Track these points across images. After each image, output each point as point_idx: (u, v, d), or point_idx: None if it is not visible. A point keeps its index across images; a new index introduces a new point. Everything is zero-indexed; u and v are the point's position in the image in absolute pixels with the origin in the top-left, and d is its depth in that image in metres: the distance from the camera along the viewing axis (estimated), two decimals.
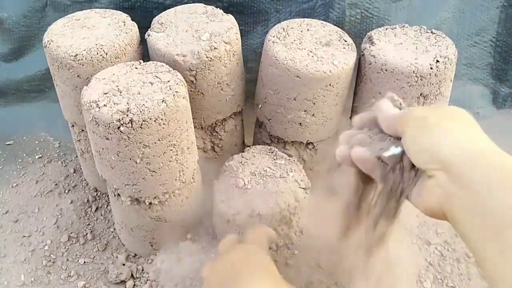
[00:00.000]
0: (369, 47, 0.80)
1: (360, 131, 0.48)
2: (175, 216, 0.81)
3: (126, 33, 0.79)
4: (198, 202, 0.83)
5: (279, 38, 0.80)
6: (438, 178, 0.39)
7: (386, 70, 0.76)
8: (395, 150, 0.44)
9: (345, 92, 0.82)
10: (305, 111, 0.81)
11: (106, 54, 0.76)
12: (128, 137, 0.65)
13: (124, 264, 0.83)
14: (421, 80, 0.75)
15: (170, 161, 0.71)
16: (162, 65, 0.73)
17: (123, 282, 0.81)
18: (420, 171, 0.42)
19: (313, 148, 0.88)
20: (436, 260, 0.85)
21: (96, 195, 0.97)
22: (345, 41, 0.81)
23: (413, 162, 0.42)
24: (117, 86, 0.68)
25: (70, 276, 0.83)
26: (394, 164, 0.44)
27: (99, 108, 0.64)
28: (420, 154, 0.41)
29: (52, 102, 1.07)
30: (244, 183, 0.77)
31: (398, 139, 0.44)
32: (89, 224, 0.91)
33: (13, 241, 0.88)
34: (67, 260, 0.85)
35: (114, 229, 0.90)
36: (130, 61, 0.77)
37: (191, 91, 0.78)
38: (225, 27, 0.79)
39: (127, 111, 0.64)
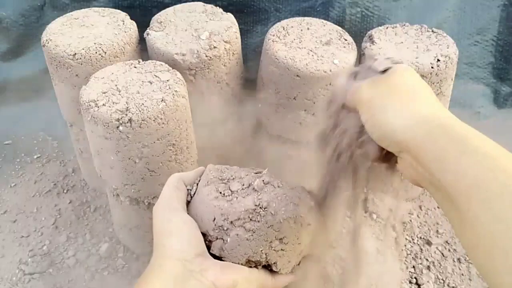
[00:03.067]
0: (370, 46, 0.79)
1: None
2: None
3: (125, 32, 0.79)
4: None
5: (279, 37, 0.80)
6: (405, 160, 0.39)
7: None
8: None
9: None
10: (305, 110, 0.80)
11: (105, 53, 0.76)
12: (127, 136, 0.64)
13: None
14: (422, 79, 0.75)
15: (169, 160, 0.70)
16: (161, 64, 0.72)
17: None
18: None
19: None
20: (437, 261, 0.85)
21: (95, 195, 0.97)
22: (345, 40, 0.81)
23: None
24: (116, 85, 0.68)
25: (69, 275, 0.82)
26: None
27: (98, 107, 0.64)
28: (380, 140, 0.41)
29: (51, 102, 1.06)
30: None
31: None
32: (87, 224, 0.91)
33: (12, 241, 0.88)
34: (66, 260, 0.85)
35: (113, 229, 0.89)
36: (129, 60, 0.76)
37: (190, 90, 0.78)
38: (225, 26, 0.79)
39: (126, 110, 0.63)
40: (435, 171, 0.36)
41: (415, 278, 0.82)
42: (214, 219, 0.46)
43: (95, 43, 0.76)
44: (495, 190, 0.32)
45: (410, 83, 0.42)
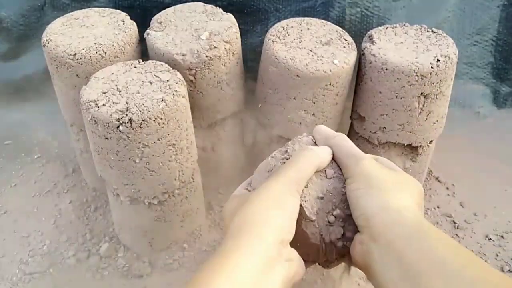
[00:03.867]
0: (370, 46, 0.79)
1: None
2: (174, 216, 0.81)
3: (125, 32, 0.79)
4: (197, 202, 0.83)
5: (279, 37, 0.80)
6: (362, 236, 0.43)
7: (386, 69, 0.76)
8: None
9: (345, 91, 0.82)
10: (305, 110, 0.80)
11: (105, 53, 0.76)
12: (127, 136, 0.64)
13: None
14: (422, 79, 0.75)
15: (169, 160, 0.70)
16: (162, 64, 0.72)
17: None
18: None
19: None
20: None
21: (95, 195, 0.97)
22: (345, 40, 0.81)
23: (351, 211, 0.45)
24: (116, 85, 0.68)
25: (69, 275, 0.82)
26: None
27: (98, 107, 0.64)
28: (354, 211, 0.45)
29: (51, 102, 1.06)
30: None
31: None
32: (88, 224, 0.91)
33: (12, 241, 0.88)
34: (67, 259, 0.85)
35: (113, 229, 0.89)
36: (129, 60, 0.76)
37: (190, 90, 0.78)
38: (225, 26, 0.79)
39: (127, 110, 0.63)
40: (400, 249, 0.39)
41: None
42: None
43: (95, 43, 0.76)
44: (456, 268, 0.36)
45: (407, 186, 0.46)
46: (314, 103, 0.79)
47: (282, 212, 0.42)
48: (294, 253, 0.43)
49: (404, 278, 0.38)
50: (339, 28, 0.84)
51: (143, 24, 0.82)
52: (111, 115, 0.63)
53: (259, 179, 0.49)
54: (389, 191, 0.43)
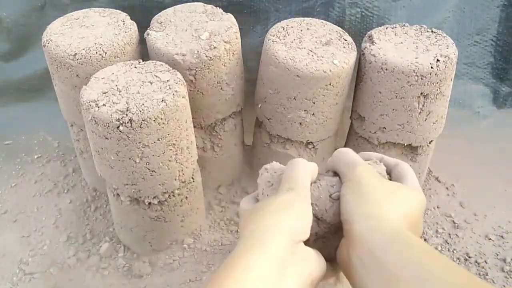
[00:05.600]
0: (369, 46, 0.79)
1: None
2: (174, 216, 0.81)
3: (126, 32, 0.79)
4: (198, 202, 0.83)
5: (279, 37, 0.80)
6: (345, 241, 0.44)
7: (386, 69, 0.76)
8: None
9: (345, 91, 0.82)
10: (305, 110, 0.80)
11: (105, 53, 0.76)
12: (127, 136, 0.64)
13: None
14: (422, 79, 0.75)
15: (169, 160, 0.70)
16: (162, 65, 0.72)
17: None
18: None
19: (313, 147, 0.88)
20: None
21: (95, 194, 0.97)
22: (345, 40, 0.81)
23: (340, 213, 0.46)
24: (116, 85, 0.68)
25: (69, 275, 0.82)
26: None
27: (99, 107, 0.64)
28: (341, 215, 0.45)
29: (51, 102, 1.06)
30: None
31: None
32: (88, 224, 0.91)
33: (12, 241, 0.88)
34: (67, 259, 0.85)
35: (114, 229, 0.89)
36: (129, 60, 0.76)
37: (190, 90, 0.78)
38: (225, 26, 0.79)
39: (127, 110, 0.64)
40: (379, 254, 0.40)
41: None
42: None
43: (95, 43, 0.76)
44: (436, 275, 0.37)
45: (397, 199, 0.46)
46: (314, 103, 0.79)
47: (291, 213, 0.43)
48: (310, 251, 0.44)
49: (384, 284, 0.39)
50: (339, 28, 0.84)
51: (143, 24, 0.82)
52: (111, 115, 0.63)
53: (265, 192, 0.50)
54: (375, 200, 0.43)
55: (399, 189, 0.46)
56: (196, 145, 0.78)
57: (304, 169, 0.48)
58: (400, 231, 0.41)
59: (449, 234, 0.89)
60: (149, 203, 0.76)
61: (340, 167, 0.49)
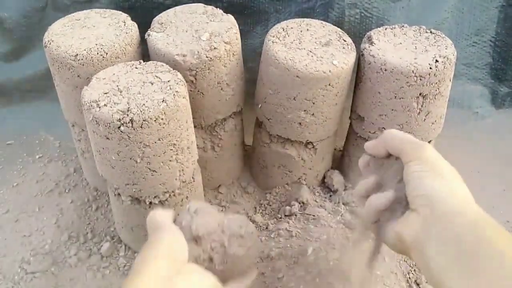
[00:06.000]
0: (369, 47, 0.80)
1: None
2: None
3: (126, 33, 0.80)
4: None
5: (278, 38, 0.81)
6: (422, 212, 0.45)
7: (385, 70, 0.76)
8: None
9: (345, 92, 0.82)
10: (304, 110, 0.81)
11: (106, 54, 0.76)
12: (128, 136, 0.65)
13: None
14: (420, 80, 0.75)
15: (170, 160, 0.71)
16: (162, 65, 0.73)
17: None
18: (404, 205, 0.48)
19: (312, 147, 0.89)
20: None
21: (96, 194, 0.97)
22: (345, 41, 0.81)
23: (406, 192, 0.48)
24: (117, 86, 0.68)
25: (70, 274, 0.83)
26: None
27: (100, 108, 0.65)
28: (413, 190, 0.47)
29: (53, 102, 1.07)
30: None
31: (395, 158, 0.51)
32: (89, 224, 0.91)
33: (14, 241, 0.88)
34: (68, 259, 0.85)
35: (115, 228, 0.90)
36: (130, 61, 0.77)
37: (191, 91, 0.78)
38: (225, 27, 0.80)
39: (128, 110, 0.64)
40: (460, 231, 0.42)
41: (415, 278, 0.82)
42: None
43: (96, 44, 0.76)
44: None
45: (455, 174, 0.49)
46: (313, 103, 0.80)
47: (164, 242, 0.49)
48: (194, 267, 0.49)
49: (460, 258, 0.41)
50: (339, 29, 0.84)
51: (144, 25, 0.83)
52: (112, 115, 0.63)
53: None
54: (453, 180, 0.47)
55: (457, 173, 0.49)
56: (197, 145, 0.79)
57: (160, 216, 0.52)
58: (483, 215, 0.44)
59: None
60: (150, 203, 0.76)
61: (404, 146, 0.50)
